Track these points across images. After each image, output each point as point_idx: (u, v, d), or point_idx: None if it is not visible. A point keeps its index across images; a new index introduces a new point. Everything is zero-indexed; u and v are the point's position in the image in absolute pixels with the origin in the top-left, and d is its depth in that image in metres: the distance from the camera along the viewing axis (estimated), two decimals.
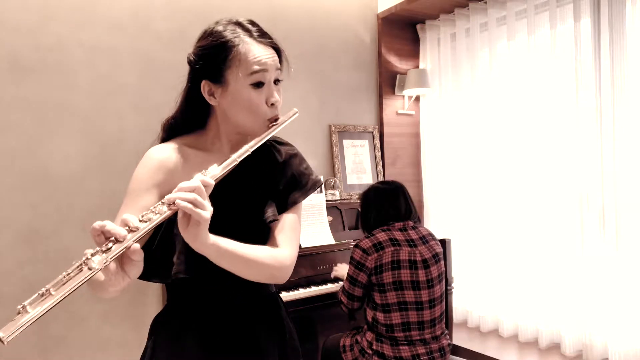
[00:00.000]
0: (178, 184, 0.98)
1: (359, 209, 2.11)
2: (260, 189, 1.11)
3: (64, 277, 0.74)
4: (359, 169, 3.11)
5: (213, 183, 0.89)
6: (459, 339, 2.80)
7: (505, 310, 2.80)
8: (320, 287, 2.29)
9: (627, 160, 2.26)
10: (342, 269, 2.29)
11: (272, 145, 1.16)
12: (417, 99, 3.37)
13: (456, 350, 2.63)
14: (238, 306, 1.11)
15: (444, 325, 1.98)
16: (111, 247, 0.78)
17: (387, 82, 3.25)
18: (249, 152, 0.98)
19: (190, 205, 0.83)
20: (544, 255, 2.60)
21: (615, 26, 2.30)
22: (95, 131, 2.30)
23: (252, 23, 1.08)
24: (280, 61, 1.08)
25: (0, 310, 2.06)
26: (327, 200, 2.66)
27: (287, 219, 1.11)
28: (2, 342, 0.66)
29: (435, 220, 3.21)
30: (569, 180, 2.49)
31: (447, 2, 2.95)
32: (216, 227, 0.91)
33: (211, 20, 1.10)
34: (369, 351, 1.89)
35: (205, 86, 1.06)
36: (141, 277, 1.04)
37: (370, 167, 3.15)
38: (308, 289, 2.27)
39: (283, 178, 1.14)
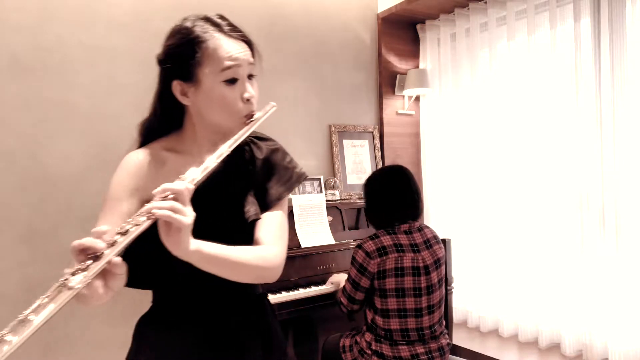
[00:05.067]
0: (156, 188, 0.93)
1: (364, 198, 2.04)
2: (241, 188, 1.08)
3: (42, 300, 0.71)
4: (359, 169, 3.11)
5: (192, 187, 0.86)
6: (459, 338, 2.80)
7: (505, 310, 2.80)
8: (320, 287, 2.29)
9: (627, 160, 2.26)
10: (337, 277, 2.28)
11: (252, 142, 1.12)
12: (417, 99, 3.37)
13: (456, 350, 2.63)
14: (222, 309, 1.08)
15: (443, 326, 1.98)
16: (90, 264, 0.75)
17: (387, 82, 3.25)
18: (227, 152, 0.95)
19: (169, 213, 0.80)
20: (544, 255, 2.60)
21: (615, 26, 2.30)
22: (95, 131, 2.30)
23: (222, 17, 1.05)
24: (253, 55, 1.05)
25: (1, 310, 2.06)
26: (327, 200, 2.65)
27: (273, 216, 1.08)
28: None
29: (435, 220, 3.21)
30: (569, 180, 2.49)
31: (447, 2, 2.95)
32: (198, 231, 0.88)
33: None
34: (368, 351, 1.88)
35: (177, 86, 1.03)
36: (126, 285, 1.02)
37: (370, 167, 3.15)
38: (308, 289, 2.26)
39: (266, 174, 1.10)
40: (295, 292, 2.22)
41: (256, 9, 2.69)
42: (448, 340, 1.95)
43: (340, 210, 2.68)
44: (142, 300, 1.15)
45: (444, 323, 1.99)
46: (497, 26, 2.84)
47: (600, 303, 2.35)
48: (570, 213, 2.50)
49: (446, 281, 2.52)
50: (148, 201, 0.96)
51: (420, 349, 1.84)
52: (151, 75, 2.73)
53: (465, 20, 3.01)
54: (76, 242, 0.77)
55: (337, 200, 2.82)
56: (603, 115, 2.35)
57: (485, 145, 2.90)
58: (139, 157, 1.07)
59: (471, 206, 2.99)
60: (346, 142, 3.10)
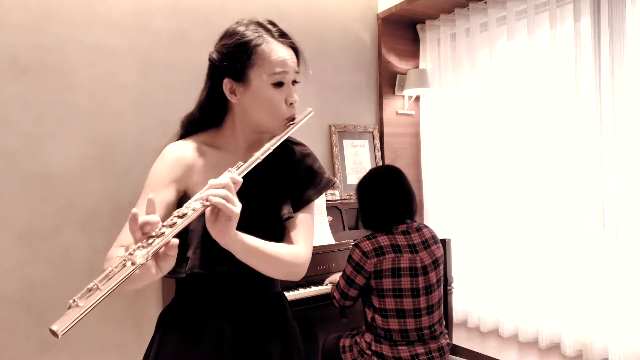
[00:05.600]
0: (194, 181, 1.05)
1: (357, 202, 2.03)
2: (275, 187, 1.13)
3: (110, 272, 0.76)
4: (359, 169, 3.11)
5: (241, 180, 0.91)
6: (459, 339, 2.80)
7: (505, 310, 2.80)
8: (320, 287, 2.29)
9: (627, 160, 2.26)
10: (335, 277, 2.27)
11: (286, 145, 1.17)
12: (417, 99, 3.37)
13: (456, 350, 2.63)
14: (246, 304, 1.12)
15: (443, 325, 1.97)
16: (152, 242, 0.81)
17: (387, 82, 3.25)
18: (270, 150, 1.01)
19: (222, 201, 0.85)
20: (544, 255, 2.60)
21: (615, 26, 2.30)
22: (95, 131, 2.30)
23: (272, 23, 1.12)
24: (298, 62, 1.13)
25: (1, 310, 2.06)
26: (327, 200, 2.66)
27: (301, 217, 1.14)
28: (57, 335, 0.67)
29: (435, 220, 3.21)
30: (569, 180, 2.49)
31: (447, 2, 2.95)
32: (238, 223, 0.92)
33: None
34: (368, 352, 1.88)
35: (227, 84, 1.08)
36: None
37: (370, 167, 3.15)
38: (308, 289, 2.27)
39: (297, 177, 1.16)
40: (295, 292, 2.23)
41: (256, 9, 2.68)
42: (448, 341, 1.95)
43: (340, 210, 2.68)
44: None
45: (444, 323, 1.99)
46: (497, 26, 2.84)
47: (600, 303, 2.35)
48: (570, 213, 2.50)
49: (446, 281, 2.52)
50: (186, 192, 1.07)
51: (420, 349, 1.84)
52: (151, 75, 2.75)
53: (465, 20, 3.01)
54: (142, 218, 0.81)
55: (337, 200, 2.82)
56: (603, 115, 2.35)
57: (485, 145, 2.90)
58: (179, 148, 1.12)
59: (471, 206, 2.99)
60: (346, 142, 3.10)
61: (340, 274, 2.00)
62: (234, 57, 1.06)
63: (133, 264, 0.77)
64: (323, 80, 3.02)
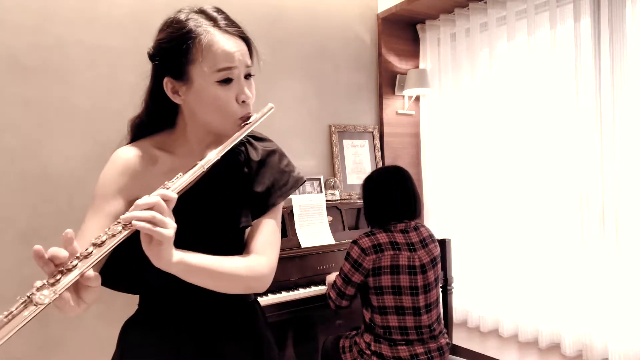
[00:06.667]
0: (144, 188, 0.90)
1: (362, 198, 2.04)
2: (234, 192, 1.02)
3: (9, 314, 0.66)
4: (359, 169, 3.11)
5: (175, 197, 0.80)
6: (459, 338, 2.80)
7: (505, 310, 2.80)
8: (320, 287, 2.29)
9: (627, 160, 2.26)
10: (332, 277, 2.27)
11: (249, 142, 1.06)
12: (417, 99, 3.37)
13: (456, 350, 2.63)
14: (211, 315, 1.03)
15: (442, 325, 1.98)
16: (60, 278, 0.70)
17: (387, 82, 3.25)
18: (217, 158, 0.88)
19: (148, 225, 0.75)
20: (544, 255, 2.61)
21: (615, 26, 2.30)
22: (96, 131, 2.30)
23: (218, 11, 0.97)
24: (251, 54, 0.97)
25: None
26: (327, 200, 2.66)
27: (266, 223, 1.02)
28: None
29: (435, 220, 3.21)
30: (569, 180, 2.49)
31: (447, 2, 2.95)
32: (186, 237, 0.83)
33: None
34: (368, 352, 1.88)
35: (167, 83, 0.97)
36: (109, 286, 0.98)
37: (370, 167, 3.15)
38: (308, 289, 2.26)
39: (261, 178, 1.03)
40: (295, 292, 2.22)
41: (256, 9, 2.69)
42: (447, 340, 1.95)
43: (340, 210, 2.68)
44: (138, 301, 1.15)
45: (443, 322, 1.99)
46: (497, 26, 2.84)
47: (600, 303, 2.35)
48: (570, 213, 2.50)
49: (446, 281, 2.52)
50: (134, 202, 0.92)
51: (419, 349, 1.84)
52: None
53: (465, 20, 3.01)
54: (38, 247, 0.71)
55: (337, 200, 2.82)
56: (603, 115, 2.35)
57: (485, 145, 2.90)
58: (128, 154, 1.01)
59: (471, 206, 2.99)
60: (346, 142, 3.10)
61: (337, 273, 2.01)
62: (170, 53, 0.94)
63: (37, 305, 0.66)
64: (323, 80, 3.02)
